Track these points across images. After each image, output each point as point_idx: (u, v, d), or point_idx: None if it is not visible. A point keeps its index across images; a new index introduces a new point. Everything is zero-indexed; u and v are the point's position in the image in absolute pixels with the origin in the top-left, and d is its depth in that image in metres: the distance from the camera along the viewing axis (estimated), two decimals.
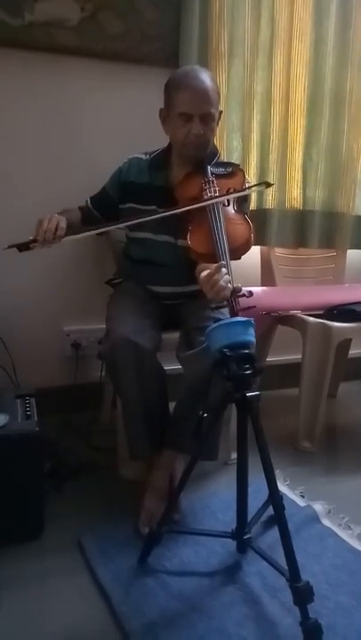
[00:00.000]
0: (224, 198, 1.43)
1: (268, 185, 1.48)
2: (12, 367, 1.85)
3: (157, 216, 1.42)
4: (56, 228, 1.36)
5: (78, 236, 1.41)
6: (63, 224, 1.39)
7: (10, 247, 1.34)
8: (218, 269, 1.18)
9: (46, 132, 1.85)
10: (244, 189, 1.51)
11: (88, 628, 1.08)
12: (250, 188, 1.55)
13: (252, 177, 2.03)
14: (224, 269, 1.19)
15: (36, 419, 1.36)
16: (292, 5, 1.99)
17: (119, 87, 1.90)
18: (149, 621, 1.07)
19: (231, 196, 1.46)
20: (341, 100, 2.14)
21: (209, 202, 1.39)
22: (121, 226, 1.57)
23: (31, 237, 1.37)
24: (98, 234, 1.54)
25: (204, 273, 1.21)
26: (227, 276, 1.18)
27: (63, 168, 1.88)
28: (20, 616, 1.10)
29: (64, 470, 1.60)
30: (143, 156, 1.62)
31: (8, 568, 1.23)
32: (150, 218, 1.43)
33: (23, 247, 1.36)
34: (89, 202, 1.68)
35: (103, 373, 1.96)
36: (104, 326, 1.52)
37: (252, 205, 1.99)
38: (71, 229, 1.42)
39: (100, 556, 1.26)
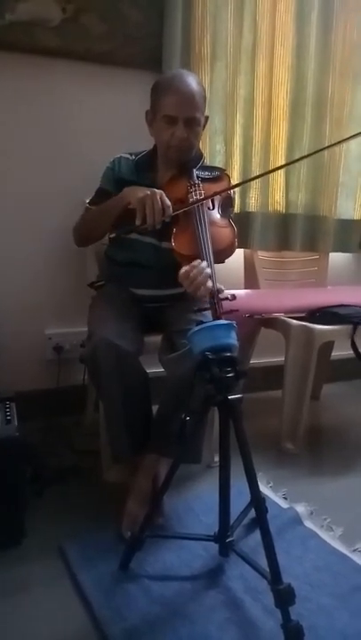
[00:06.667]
0: (222, 192, 1.44)
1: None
2: None
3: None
4: (163, 205, 1.33)
5: (183, 209, 1.35)
6: (167, 200, 1.35)
7: (118, 234, 1.35)
8: (197, 264, 1.20)
9: (28, 134, 1.83)
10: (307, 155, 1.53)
11: (69, 634, 1.06)
12: (349, 138, 1.42)
13: (235, 180, 2.03)
14: (204, 263, 1.21)
15: (16, 423, 1.34)
16: (274, 10, 2.01)
17: (102, 89, 1.89)
18: (130, 626, 1.06)
19: (230, 189, 1.49)
20: (323, 104, 2.16)
21: (206, 198, 1.39)
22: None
23: (138, 222, 1.32)
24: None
25: (184, 269, 1.22)
26: (207, 270, 1.20)
27: (46, 168, 1.87)
28: (0, 622, 1.09)
29: (46, 475, 1.58)
30: (129, 156, 1.61)
31: None
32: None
33: (129, 232, 1.34)
34: (90, 207, 1.63)
35: (86, 376, 1.94)
36: (87, 329, 1.51)
37: (236, 209, 2.00)
38: None
39: (81, 561, 1.24)
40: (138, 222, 1.34)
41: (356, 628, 1.08)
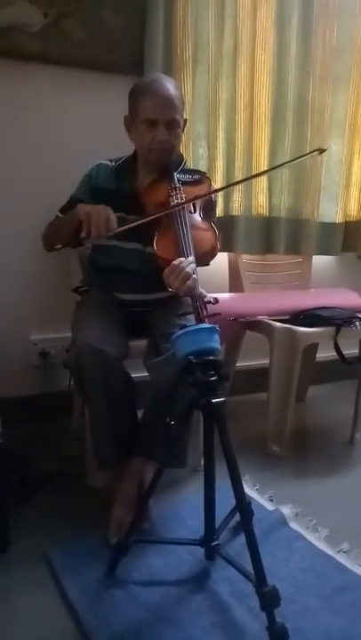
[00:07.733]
0: (206, 195, 1.47)
1: (322, 151, 1.46)
2: None
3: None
4: (106, 221, 1.37)
5: (128, 226, 1.38)
6: (113, 216, 1.39)
7: (64, 247, 1.43)
8: (184, 259, 1.22)
9: (11, 138, 1.82)
10: (281, 165, 1.65)
11: None
12: (303, 156, 1.53)
13: (218, 184, 2.04)
14: (190, 258, 1.22)
15: (0, 430, 1.33)
16: (254, 14, 2.02)
17: (85, 94, 1.89)
18: (117, 633, 1.06)
19: (209, 194, 1.51)
20: (304, 108, 2.18)
21: (184, 203, 1.40)
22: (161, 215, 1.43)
23: (82, 235, 1.37)
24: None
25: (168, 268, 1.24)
26: (192, 264, 1.21)
27: (29, 173, 1.86)
28: None
29: (32, 481, 1.57)
30: (109, 163, 1.62)
31: None
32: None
33: (76, 244, 1.43)
34: (60, 215, 1.62)
35: (72, 382, 1.93)
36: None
37: (219, 212, 2.01)
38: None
39: (67, 568, 1.24)
40: (83, 234, 1.39)
41: (339, 627, 1.09)
